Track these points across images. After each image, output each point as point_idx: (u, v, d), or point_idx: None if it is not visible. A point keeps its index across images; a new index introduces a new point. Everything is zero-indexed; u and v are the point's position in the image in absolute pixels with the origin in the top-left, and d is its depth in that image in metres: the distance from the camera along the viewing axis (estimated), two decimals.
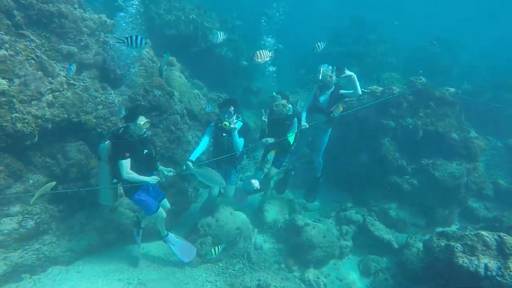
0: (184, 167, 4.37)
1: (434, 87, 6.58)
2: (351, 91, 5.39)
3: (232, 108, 4.77)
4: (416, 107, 6.67)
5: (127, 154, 3.75)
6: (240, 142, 4.83)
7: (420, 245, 5.27)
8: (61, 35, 5.16)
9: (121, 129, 3.96)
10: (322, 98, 5.53)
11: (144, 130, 3.93)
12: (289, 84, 13.75)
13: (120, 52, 5.47)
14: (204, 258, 5.01)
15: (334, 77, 5.42)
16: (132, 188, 4.03)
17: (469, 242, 4.11)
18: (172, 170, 4.25)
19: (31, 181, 4.10)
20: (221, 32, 5.73)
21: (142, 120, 3.84)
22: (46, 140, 4.22)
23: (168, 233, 4.73)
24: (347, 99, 5.88)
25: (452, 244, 4.26)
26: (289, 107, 5.15)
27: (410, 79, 7.00)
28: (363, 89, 7.83)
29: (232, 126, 4.62)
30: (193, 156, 4.57)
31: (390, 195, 6.73)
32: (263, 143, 5.14)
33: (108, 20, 6.44)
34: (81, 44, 5.28)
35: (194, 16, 10.20)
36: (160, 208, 4.37)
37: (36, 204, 4.12)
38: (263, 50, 4.41)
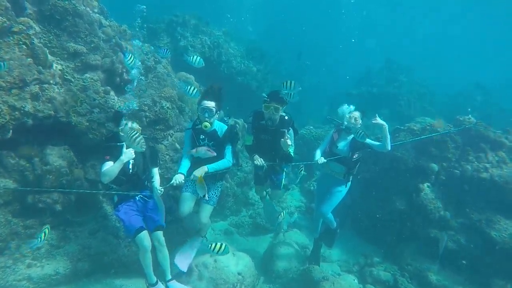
0: (173, 181, 3.49)
1: (488, 128, 5.57)
2: (378, 143, 4.41)
3: (213, 104, 3.63)
4: (465, 149, 5.62)
5: (107, 157, 3.27)
6: (223, 164, 3.76)
7: None
8: (73, 34, 4.81)
9: (111, 133, 3.55)
10: (340, 144, 4.51)
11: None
12: (316, 118, 13.07)
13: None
14: None
15: (359, 121, 4.40)
16: (115, 199, 3.48)
17: None
18: (160, 188, 3.42)
19: None
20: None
21: (123, 125, 3.37)
22: (25, 138, 3.59)
23: (157, 280, 3.56)
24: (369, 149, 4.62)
25: None
26: (284, 115, 4.01)
27: (456, 117, 6.04)
28: (398, 126, 6.96)
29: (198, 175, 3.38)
30: (183, 169, 3.67)
31: (430, 254, 5.47)
32: (255, 165, 3.95)
33: (129, 31, 6.18)
34: (92, 46, 4.88)
35: (220, 41, 10.06)
36: (144, 234, 3.34)
37: None
38: None
